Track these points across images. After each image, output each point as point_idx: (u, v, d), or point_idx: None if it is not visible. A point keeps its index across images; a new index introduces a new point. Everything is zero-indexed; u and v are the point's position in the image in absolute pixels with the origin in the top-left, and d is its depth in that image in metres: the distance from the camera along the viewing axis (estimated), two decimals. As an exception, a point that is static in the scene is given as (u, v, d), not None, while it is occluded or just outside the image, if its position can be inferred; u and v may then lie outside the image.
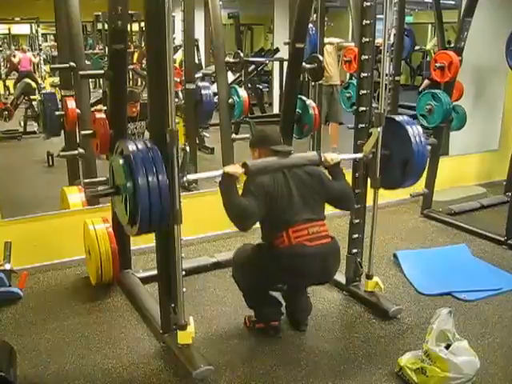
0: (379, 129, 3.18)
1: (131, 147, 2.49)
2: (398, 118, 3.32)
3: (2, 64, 12.02)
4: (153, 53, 2.68)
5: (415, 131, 3.22)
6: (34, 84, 9.13)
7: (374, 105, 3.50)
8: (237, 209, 2.79)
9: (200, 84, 5.15)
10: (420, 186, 5.18)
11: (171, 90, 2.50)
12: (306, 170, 2.98)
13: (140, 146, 2.50)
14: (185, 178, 2.67)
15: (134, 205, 2.47)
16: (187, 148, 2.55)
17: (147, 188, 2.43)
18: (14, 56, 11.71)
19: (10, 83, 11.55)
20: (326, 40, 6.10)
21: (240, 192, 2.87)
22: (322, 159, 3.03)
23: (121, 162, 2.51)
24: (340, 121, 6.87)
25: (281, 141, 3.10)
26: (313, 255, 2.86)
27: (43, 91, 6.36)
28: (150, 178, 2.43)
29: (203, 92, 5.15)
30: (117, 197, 2.65)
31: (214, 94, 5.28)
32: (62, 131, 4.69)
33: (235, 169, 2.79)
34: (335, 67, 6.81)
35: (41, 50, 11.18)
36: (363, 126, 3.39)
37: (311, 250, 2.86)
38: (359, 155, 3.32)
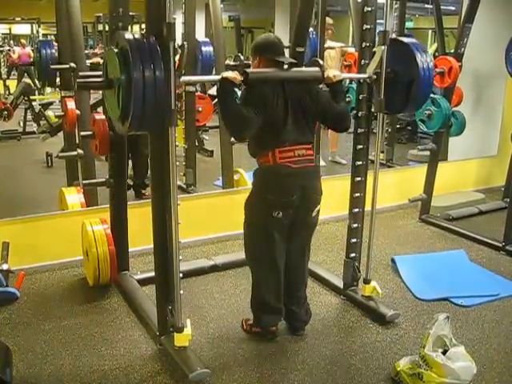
0: (383, 47, 3.10)
1: (128, 37, 2.40)
2: (405, 39, 3.25)
3: (2, 61, 12.02)
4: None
5: (422, 54, 3.13)
6: (33, 84, 9.13)
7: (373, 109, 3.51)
8: (235, 115, 2.74)
9: (200, 40, 5.11)
10: (418, 191, 5.20)
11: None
12: (305, 88, 2.93)
13: (137, 37, 2.41)
14: (182, 79, 2.58)
15: (127, 97, 2.38)
16: (185, 44, 2.50)
17: (142, 80, 2.33)
18: (14, 52, 11.71)
19: (10, 83, 11.55)
20: (327, 44, 6.11)
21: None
22: (325, 75, 2.96)
23: (115, 51, 2.42)
24: None
25: (283, 50, 3.01)
26: (294, 173, 2.84)
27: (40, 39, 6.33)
28: (145, 71, 2.33)
29: (203, 48, 5.10)
30: (109, 91, 2.57)
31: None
32: (62, 132, 4.71)
33: (234, 74, 2.72)
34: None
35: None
36: (362, 130, 3.39)
37: (292, 171, 2.84)
38: (363, 75, 3.24)
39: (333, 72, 3.00)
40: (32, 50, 11.56)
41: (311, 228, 3.12)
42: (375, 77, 3.19)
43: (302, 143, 2.90)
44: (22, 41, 12.28)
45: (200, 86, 8.12)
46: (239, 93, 2.97)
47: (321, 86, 3.06)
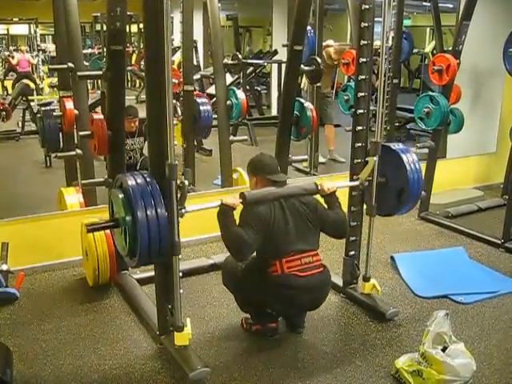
0: (375, 158, 3.21)
1: (130, 182, 2.52)
2: (394, 146, 3.36)
3: (0, 64, 12.02)
4: (151, 54, 2.68)
5: (410, 159, 3.26)
6: (32, 85, 9.14)
7: (371, 107, 3.52)
8: (234, 240, 2.82)
9: (199, 100, 5.13)
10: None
11: (171, 130, 2.54)
12: (302, 200, 3.02)
13: (139, 180, 2.53)
14: (183, 211, 2.66)
15: (134, 238, 2.50)
16: (186, 182, 2.54)
17: (146, 222, 2.46)
18: (13, 57, 11.70)
19: (8, 83, 11.55)
20: (325, 43, 6.12)
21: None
22: (319, 188, 3.05)
23: (120, 195, 2.54)
24: (332, 123, 6.86)
25: (278, 169, 3.12)
26: (303, 286, 2.91)
27: (43, 108, 6.41)
28: (148, 212, 2.47)
29: (201, 108, 5.11)
30: (116, 229, 2.68)
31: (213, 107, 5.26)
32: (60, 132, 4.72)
33: (233, 200, 2.81)
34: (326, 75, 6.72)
35: (39, 51, 11.15)
36: (361, 128, 3.39)
37: (302, 281, 2.90)
38: (355, 183, 3.36)
39: (326, 185, 3.10)
40: (32, 56, 11.57)
41: None
42: (367, 183, 3.29)
43: (307, 251, 2.97)
44: (22, 48, 12.27)
45: (198, 85, 8.13)
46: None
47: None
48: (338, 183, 3.28)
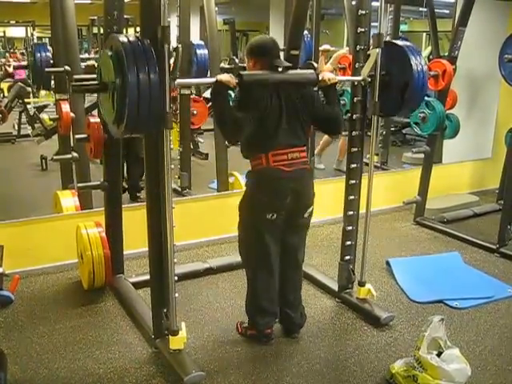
0: (378, 50, 3.10)
1: (122, 40, 2.39)
2: (399, 42, 3.27)
3: (-2, 69, 11.98)
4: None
5: (416, 56, 3.15)
6: (28, 88, 9.11)
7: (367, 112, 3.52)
8: (228, 119, 2.75)
9: (195, 42, 5.09)
10: (413, 193, 5.21)
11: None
12: (300, 91, 2.92)
13: (132, 40, 2.40)
14: (176, 82, 2.57)
15: (122, 100, 2.36)
16: (179, 47, 2.50)
17: (137, 83, 2.33)
18: (9, 66, 11.66)
19: (4, 86, 11.51)
20: (321, 47, 6.12)
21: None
22: (320, 78, 2.96)
23: (110, 55, 2.42)
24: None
25: (279, 54, 3.00)
26: (287, 178, 2.85)
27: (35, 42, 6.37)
28: (140, 74, 2.33)
29: (198, 51, 5.09)
30: (103, 94, 2.57)
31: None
32: (56, 135, 4.70)
33: (229, 77, 2.71)
34: None
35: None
36: (357, 133, 3.40)
37: (286, 174, 2.85)
38: (358, 78, 3.24)
39: (327, 75, 3.01)
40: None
41: (304, 229, 3.13)
42: (369, 79, 3.20)
43: (295, 146, 2.90)
44: (18, 56, 12.23)
45: (195, 89, 8.12)
46: (233, 94, 2.97)
47: (315, 88, 3.07)
48: (339, 76, 3.15)
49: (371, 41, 3.21)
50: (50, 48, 4.86)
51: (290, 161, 2.87)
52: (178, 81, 2.63)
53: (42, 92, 10.14)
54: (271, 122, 2.83)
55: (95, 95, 3.66)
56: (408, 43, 3.29)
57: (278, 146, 2.85)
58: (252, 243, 3.02)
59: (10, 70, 11.41)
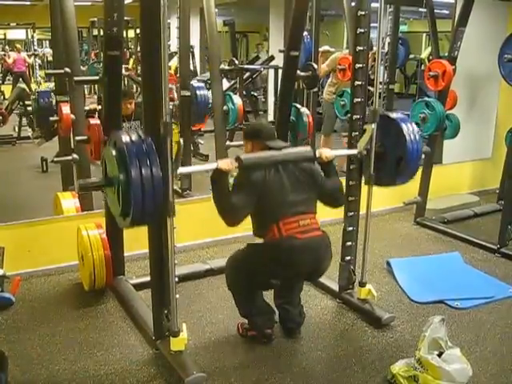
0: (373, 125, 3.16)
1: (125, 138, 2.44)
2: (393, 114, 3.30)
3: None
4: (148, 59, 2.69)
5: (410, 128, 3.18)
6: (27, 89, 9.12)
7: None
8: (226, 205, 2.79)
9: (195, 84, 5.14)
10: (413, 193, 5.21)
11: (165, 86, 2.48)
12: (299, 166, 2.96)
13: (134, 138, 2.45)
14: (178, 171, 2.61)
15: (127, 196, 2.41)
16: (181, 140, 2.55)
17: (140, 180, 2.37)
18: (9, 57, 11.67)
19: (5, 88, 11.54)
20: (321, 49, 6.12)
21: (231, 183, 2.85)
22: (317, 155, 3.01)
23: (114, 153, 2.46)
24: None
25: (275, 135, 3.07)
26: (303, 247, 2.84)
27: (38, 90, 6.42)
28: (143, 170, 2.38)
29: (198, 92, 5.13)
30: (109, 188, 2.60)
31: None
32: (57, 137, 4.71)
33: (229, 164, 2.76)
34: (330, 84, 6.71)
35: (35, 55, 11.15)
36: (357, 134, 3.40)
37: (301, 242, 2.84)
38: (353, 151, 3.30)
39: (325, 152, 3.06)
40: (27, 55, 11.55)
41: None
42: (365, 153, 3.25)
43: (304, 213, 2.91)
44: (18, 46, 12.24)
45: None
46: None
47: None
48: (336, 151, 3.22)
49: (371, 42, 3.22)
50: (53, 95, 4.88)
51: (302, 227, 2.87)
52: (180, 170, 2.67)
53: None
54: (274, 193, 2.86)
55: (95, 96, 3.66)
56: (401, 115, 3.31)
57: (287, 214, 2.86)
58: (243, 282, 3.02)
59: (10, 61, 11.42)
